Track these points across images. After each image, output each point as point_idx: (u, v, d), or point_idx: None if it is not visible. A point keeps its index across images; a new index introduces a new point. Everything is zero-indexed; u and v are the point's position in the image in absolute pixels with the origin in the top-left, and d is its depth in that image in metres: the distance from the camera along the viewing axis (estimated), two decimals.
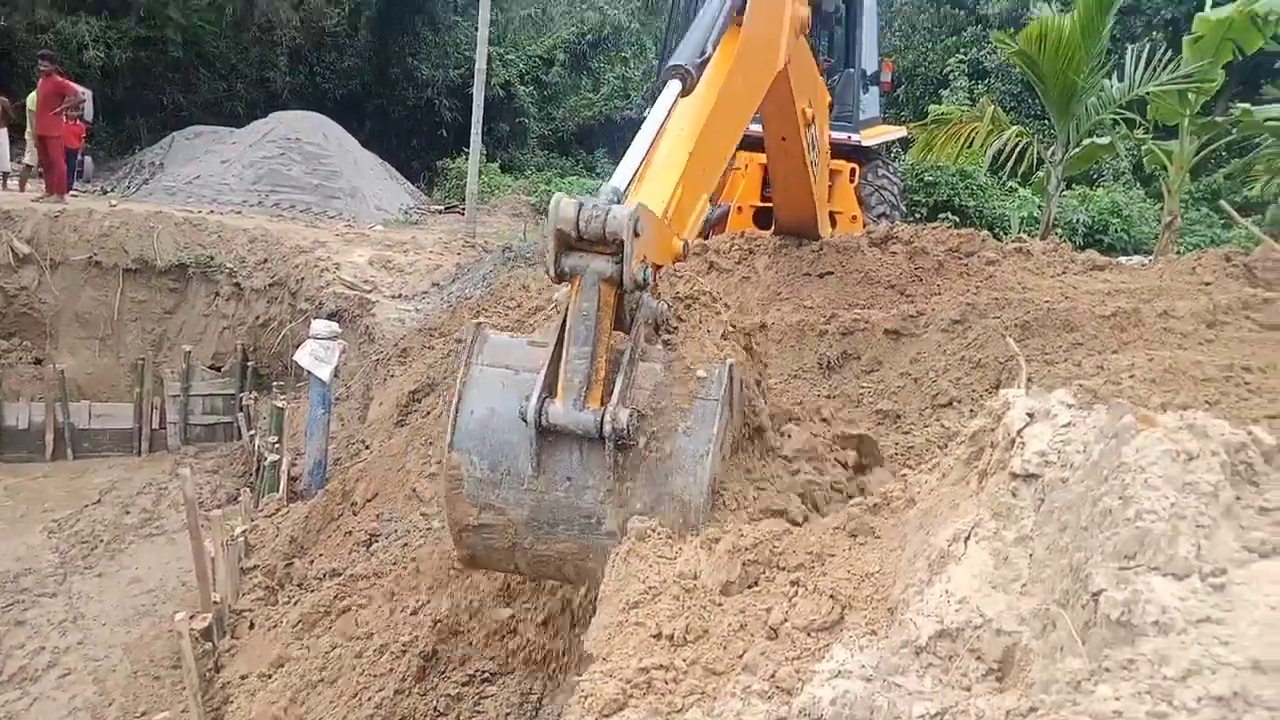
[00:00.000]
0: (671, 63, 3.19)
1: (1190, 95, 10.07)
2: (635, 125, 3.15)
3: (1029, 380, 4.03)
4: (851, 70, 9.46)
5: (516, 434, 2.52)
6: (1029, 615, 1.57)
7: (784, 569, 2.16)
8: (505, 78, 29.21)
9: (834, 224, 8.99)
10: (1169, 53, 10.75)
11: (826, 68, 10.36)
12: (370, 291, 11.38)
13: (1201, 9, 10.96)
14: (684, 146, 3.15)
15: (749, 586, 2.22)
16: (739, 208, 8.79)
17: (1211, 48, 9.63)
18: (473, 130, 16.01)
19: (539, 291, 8.45)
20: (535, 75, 32.32)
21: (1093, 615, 1.38)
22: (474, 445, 2.59)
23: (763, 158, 8.92)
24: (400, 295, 11.41)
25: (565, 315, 2.58)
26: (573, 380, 2.50)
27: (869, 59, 9.39)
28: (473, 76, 16.25)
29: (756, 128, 9.05)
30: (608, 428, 2.45)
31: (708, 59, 3.27)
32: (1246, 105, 11.08)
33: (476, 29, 16.04)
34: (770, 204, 8.90)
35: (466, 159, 18.06)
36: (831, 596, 2.03)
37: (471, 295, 9.94)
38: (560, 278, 2.55)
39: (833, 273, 6.35)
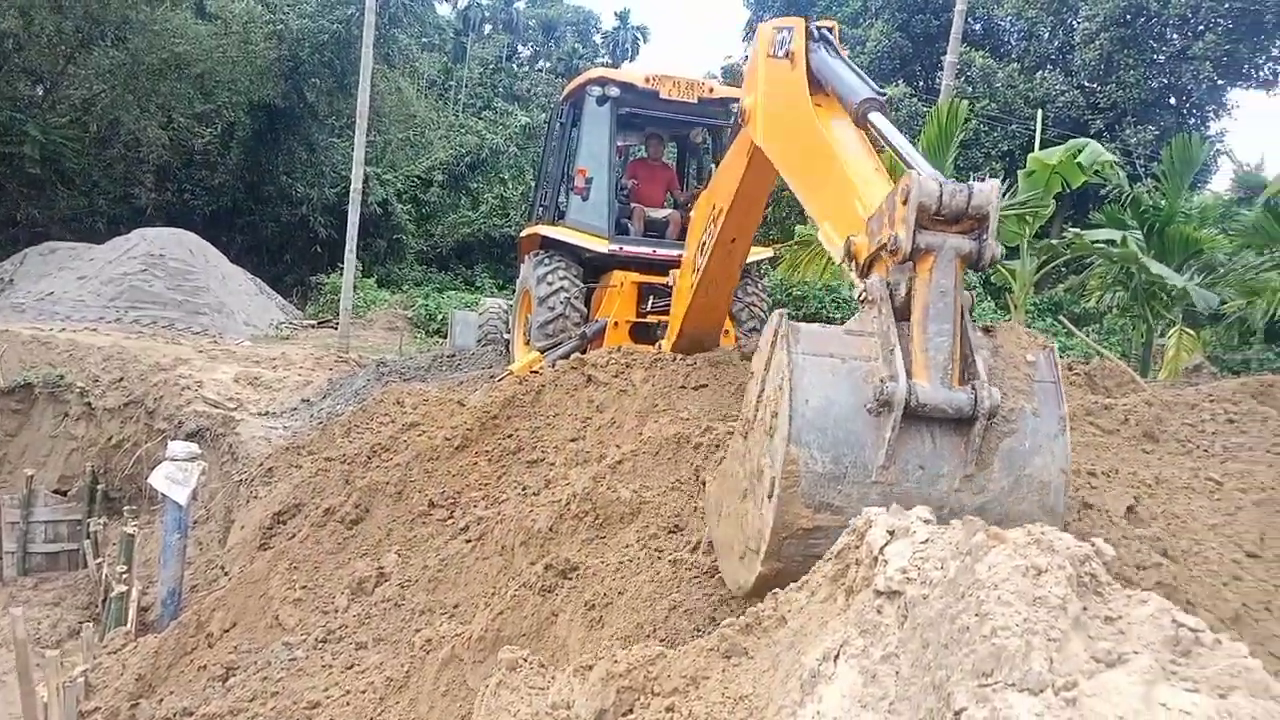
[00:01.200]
0: (868, 96, 3.68)
1: (1028, 219, 10.94)
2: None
3: None
4: None
5: (861, 423, 2.33)
6: None
7: (659, 694, 2.11)
8: (383, 196, 29.33)
9: None
10: (1007, 181, 11.71)
11: (696, 193, 10.84)
12: (235, 409, 10.91)
13: (1032, 144, 12.03)
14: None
15: (624, 715, 2.15)
16: (615, 323, 8.93)
17: (1042, 181, 10.56)
18: (347, 246, 15.91)
19: (414, 407, 8.28)
20: (413, 194, 32.58)
21: None
22: (814, 438, 2.31)
23: (638, 276, 9.19)
24: (267, 412, 10.98)
25: (909, 295, 2.48)
26: (936, 358, 2.37)
27: None
28: (349, 194, 16.24)
29: (634, 248, 9.38)
30: (984, 405, 2.32)
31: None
32: (1078, 230, 12.13)
33: (354, 150, 16.12)
34: (645, 319, 9.14)
35: (341, 274, 17.87)
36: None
37: (343, 411, 9.67)
38: (912, 255, 2.46)
39: (707, 385, 6.47)
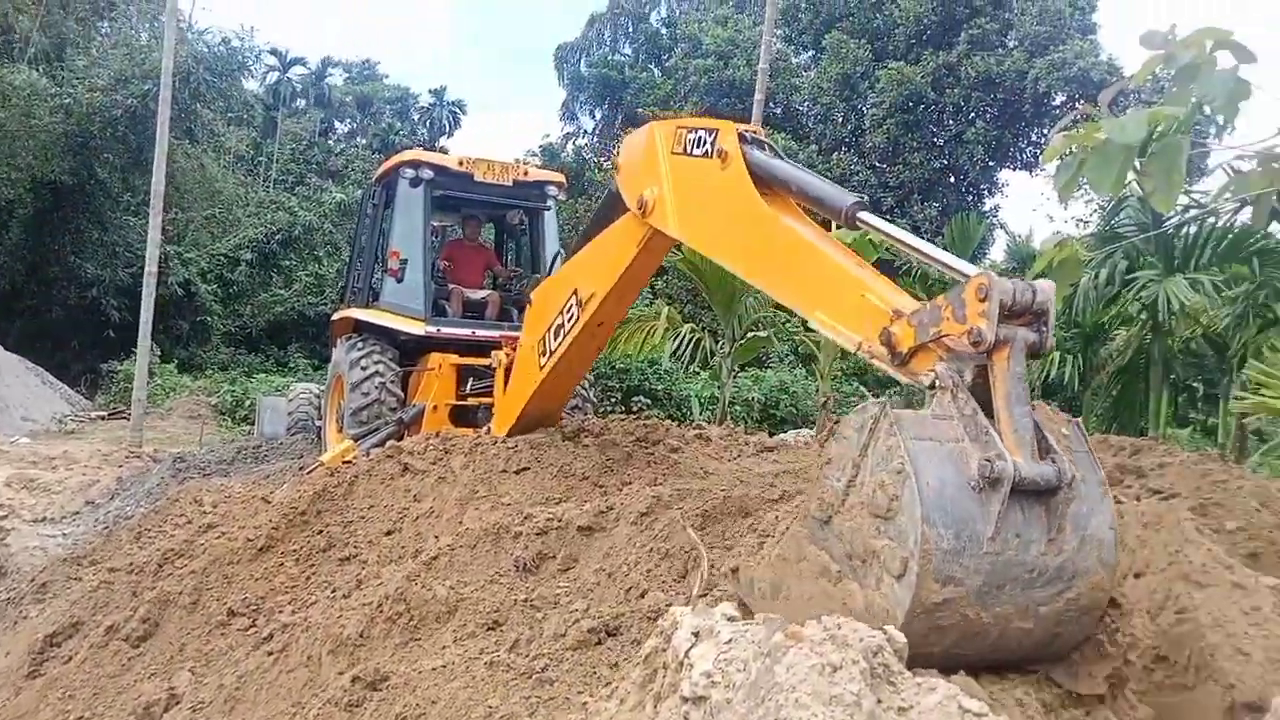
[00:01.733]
0: (855, 202, 3.83)
1: None
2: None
3: (711, 567, 4.18)
4: (539, 276, 9.97)
5: (968, 500, 2.55)
6: None
7: None
8: (185, 275, 27.76)
9: None
10: None
11: (516, 274, 10.85)
12: (5, 517, 9.81)
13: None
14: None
15: None
16: (434, 407, 8.71)
17: None
18: (141, 330, 14.83)
19: (214, 506, 7.71)
20: (219, 273, 31.00)
21: None
22: (939, 516, 2.51)
23: (456, 358, 9.03)
24: (44, 519, 9.93)
25: (984, 381, 2.78)
26: (1024, 437, 2.66)
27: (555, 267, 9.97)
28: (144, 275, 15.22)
29: (452, 330, 9.22)
30: (1066, 476, 2.61)
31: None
32: None
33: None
34: (465, 402, 8.96)
35: (135, 360, 16.62)
36: None
37: (133, 513, 8.88)
38: (992, 345, 2.74)
39: (529, 468, 6.37)
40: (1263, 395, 4.06)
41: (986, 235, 29.92)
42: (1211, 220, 9.71)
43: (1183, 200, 10.09)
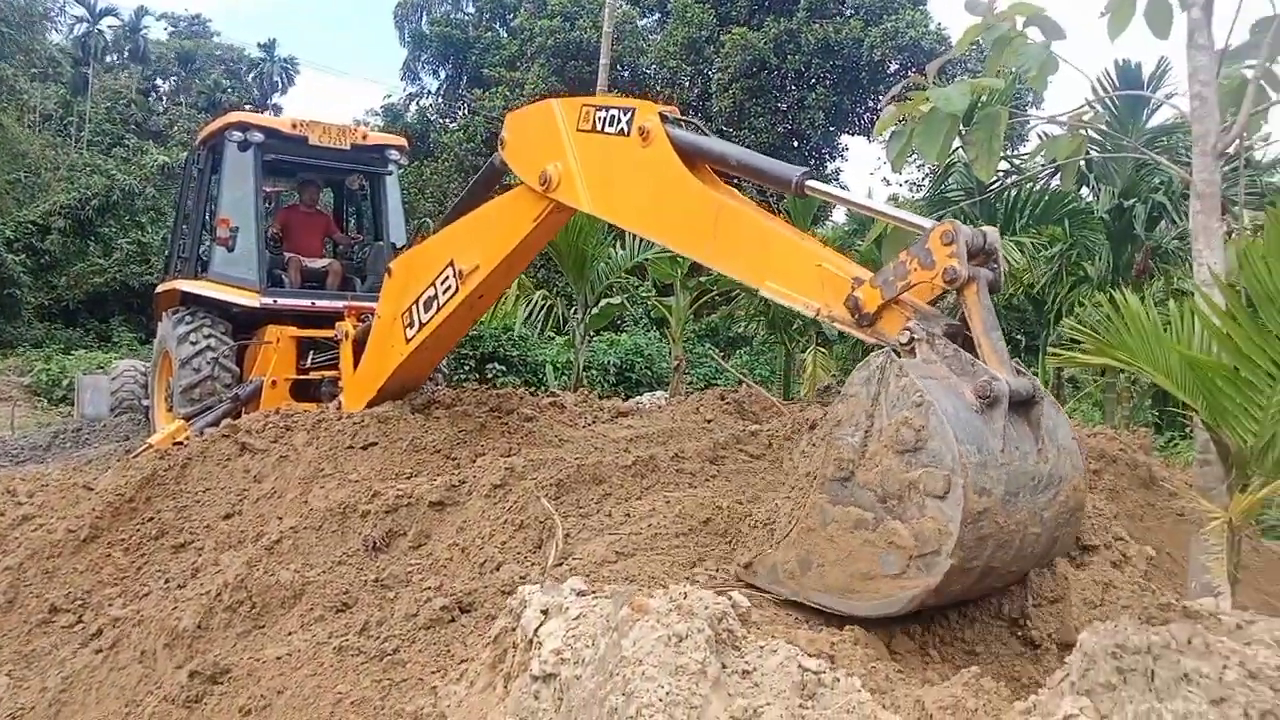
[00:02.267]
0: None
1: (679, 260, 11.75)
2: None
3: (566, 536, 4.19)
4: (381, 243, 9.64)
5: (977, 421, 2.79)
6: None
7: None
8: None
9: None
10: None
11: (357, 241, 10.45)
12: None
13: None
14: None
15: None
16: (273, 382, 8.32)
17: None
18: None
19: (29, 496, 7.13)
20: (28, 242, 28.48)
21: None
22: (965, 434, 2.72)
23: (296, 330, 8.64)
24: None
25: (967, 313, 3.07)
26: (1004, 357, 2.96)
27: (397, 233, 9.63)
28: None
29: (290, 301, 8.81)
30: (1039, 389, 2.96)
31: None
32: None
33: None
34: (307, 375, 8.60)
35: None
36: None
37: None
38: (965, 281, 3.04)
39: (377, 444, 6.19)
40: (1074, 350, 4.43)
41: None
42: (1029, 184, 10.36)
43: (1003, 166, 10.73)
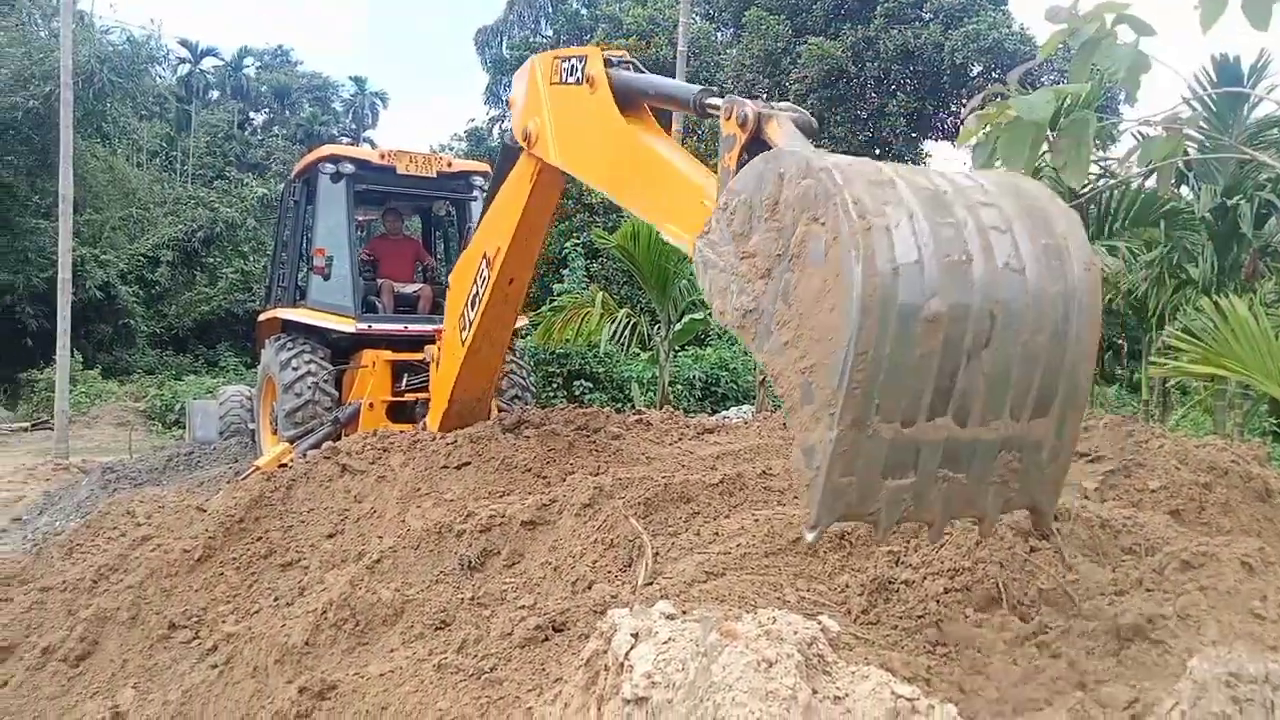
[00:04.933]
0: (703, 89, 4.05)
1: None
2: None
3: (655, 556, 4.23)
4: None
5: None
6: None
7: None
8: (103, 278, 26.84)
9: None
10: None
11: (446, 266, 10.74)
12: None
13: None
14: None
15: None
16: (370, 405, 8.61)
17: None
18: (59, 340, 14.35)
19: (147, 517, 7.53)
20: (140, 274, 30.06)
21: None
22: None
23: (390, 354, 8.93)
24: None
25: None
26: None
27: None
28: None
29: (384, 326, 9.11)
30: None
31: None
32: None
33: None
34: (402, 398, 8.87)
35: (56, 368, 16.06)
36: None
37: (63, 529, 8.63)
38: (757, 119, 3.18)
39: (470, 463, 6.35)
40: (1178, 360, 4.27)
41: None
42: (1122, 187, 10.03)
43: (1094, 170, 10.41)
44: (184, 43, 52.53)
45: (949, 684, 2.08)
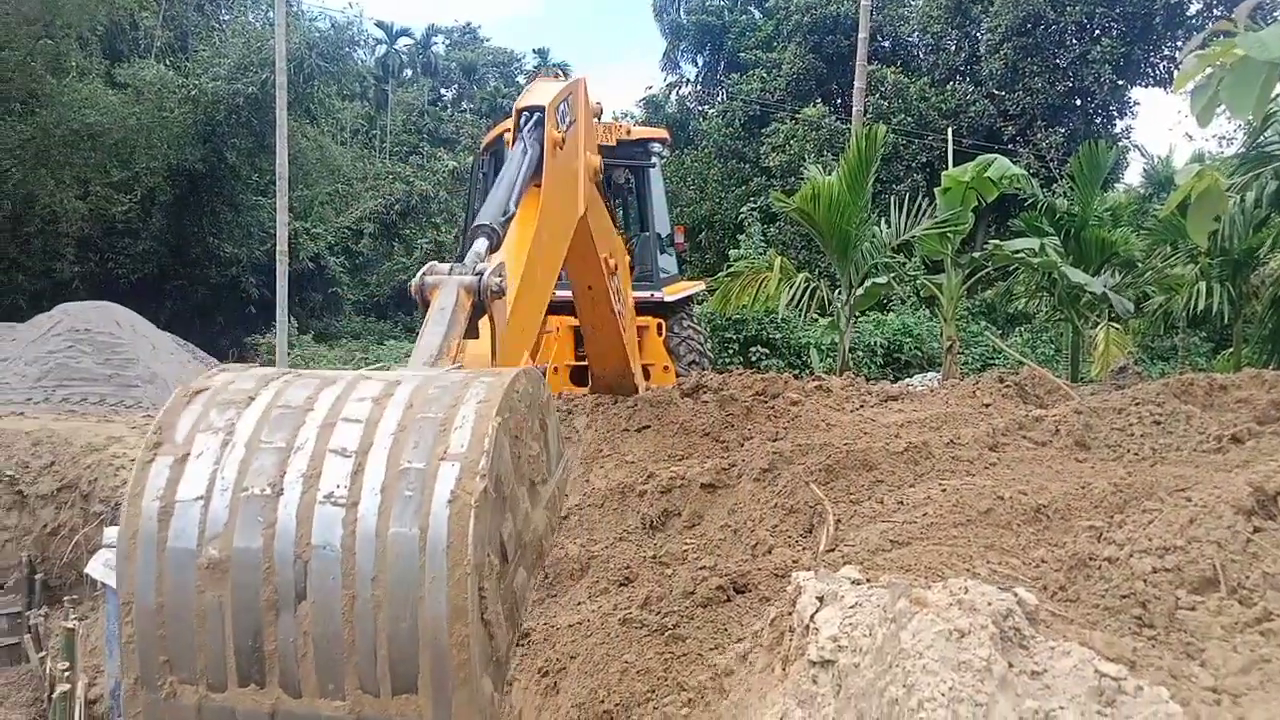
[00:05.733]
0: (477, 223, 3.22)
1: (949, 236, 11.22)
2: None
3: (837, 522, 4.19)
4: (648, 234, 10.01)
5: None
6: None
7: None
8: (314, 250, 29.04)
9: (648, 376, 9.28)
10: (928, 195, 12.00)
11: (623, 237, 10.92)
12: None
13: (946, 157, 12.36)
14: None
15: None
16: (554, 368, 8.91)
17: (958, 198, 10.89)
18: (278, 305, 15.65)
19: None
20: (345, 246, 32.31)
21: None
22: None
23: (573, 320, 9.18)
24: None
25: None
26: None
27: (662, 224, 9.99)
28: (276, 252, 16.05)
29: (567, 293, 9.38)
30: None
31: (511, 217, 3.39)
32: (998, 241, 12.47)
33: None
34: (586, 362, 9.12)
35: (275, 333, 17.58)
36: None
37: None
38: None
39: (650, 426, 6.48)
40: None
41: (1120, 159, 28.26)
42: None
43: None
44: (380, 24, 55.59)
45: (1157, 668, 1.96)
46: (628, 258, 6.86)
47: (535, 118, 4.08)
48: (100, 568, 7.38)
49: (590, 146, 5.09)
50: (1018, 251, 11.53)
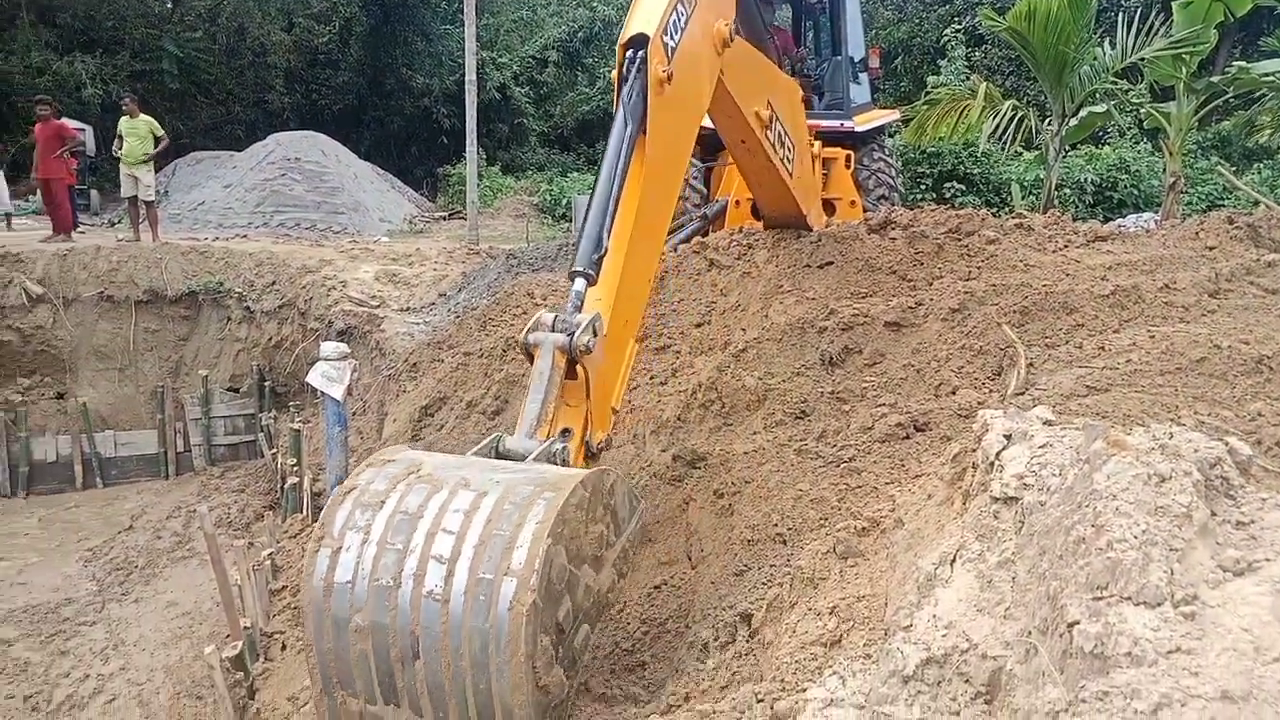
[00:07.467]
0: (572, 268, 3.26)
1: (1184, 58, 9.95)
2: None
3: (1029, 366, 4.02)
4: (839, 59, 9.43)
5: None
6: (1013, 640, 1.59)
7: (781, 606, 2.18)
8: (500, 80, 29.26)
9: (833, 211, 8.98)
10: (1161, 14, 10.61)
11: (808, 56, 10.33)
12: (378, 307, 11.43)
13: None
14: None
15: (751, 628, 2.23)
16: (736, 201, 8.78)
17: (1201, 12, 9.53)
18: (468, 141, 16.03)
19: (544, 298, 8.48)
20: (530, 75, 32.36)
21: (1069, 645, 1.40)
22: None
23: None
24: (408, 308, 11.46)
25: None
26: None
27: (855, 47, 9.35)
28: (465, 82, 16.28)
29: None
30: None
31: (605, 254, 3.29)
32: (1243, 63, 10.94)
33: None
34: None
35: (466, 164, 18.11)
36: (833, 614, 2.05)
37: (477, 305, 9.99)
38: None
39: (833, 263, 6.34)
40: None
41: None
42: None
43: None
44: None
45: None
46: (799, 94, 6.47)
47: (639, 57, 3.60)
48: (319, 378, 8.16)
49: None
50: (1268, 75, 10.10)
